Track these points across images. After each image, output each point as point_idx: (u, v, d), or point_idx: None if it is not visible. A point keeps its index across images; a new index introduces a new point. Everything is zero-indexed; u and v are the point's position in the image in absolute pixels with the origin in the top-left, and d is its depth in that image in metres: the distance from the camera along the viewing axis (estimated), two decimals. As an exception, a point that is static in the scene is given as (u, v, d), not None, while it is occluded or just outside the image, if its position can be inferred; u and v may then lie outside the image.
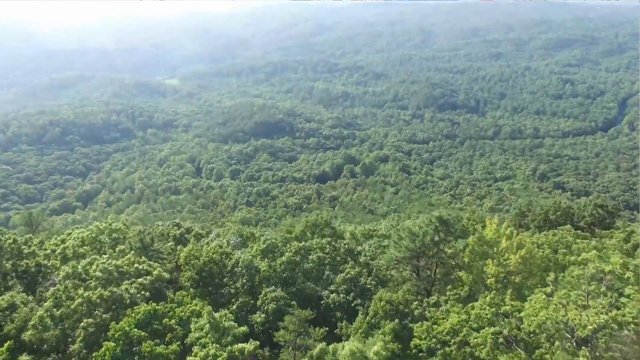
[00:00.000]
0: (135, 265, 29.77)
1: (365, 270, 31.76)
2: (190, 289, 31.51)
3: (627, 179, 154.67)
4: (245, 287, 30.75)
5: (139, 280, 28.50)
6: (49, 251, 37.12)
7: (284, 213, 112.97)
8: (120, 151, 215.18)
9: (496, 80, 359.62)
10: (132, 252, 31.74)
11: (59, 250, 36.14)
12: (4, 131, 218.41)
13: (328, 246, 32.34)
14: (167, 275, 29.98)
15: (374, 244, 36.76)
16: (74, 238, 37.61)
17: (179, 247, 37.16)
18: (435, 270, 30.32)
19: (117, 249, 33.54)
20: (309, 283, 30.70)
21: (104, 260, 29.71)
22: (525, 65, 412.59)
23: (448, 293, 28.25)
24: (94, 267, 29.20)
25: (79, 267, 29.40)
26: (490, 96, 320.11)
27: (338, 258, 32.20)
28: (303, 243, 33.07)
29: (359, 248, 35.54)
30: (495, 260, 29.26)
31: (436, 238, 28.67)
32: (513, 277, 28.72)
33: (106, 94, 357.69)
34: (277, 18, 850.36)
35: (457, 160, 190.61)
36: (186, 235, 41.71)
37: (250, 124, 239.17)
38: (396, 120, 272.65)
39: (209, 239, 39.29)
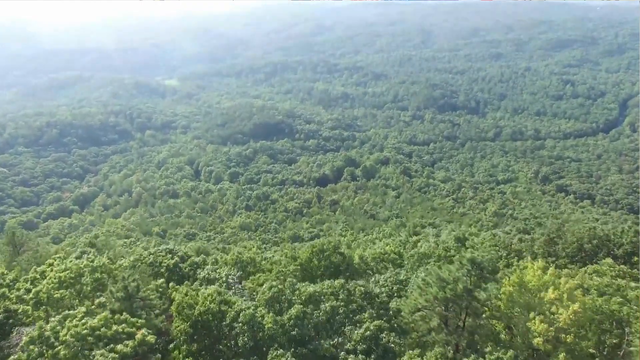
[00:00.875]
0: (115, 327, 25.00)
1: (385, 320, 27.58)
2: (184, 344, 27.68)
3: (630, 182, 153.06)
4: (247, 346, 26.84)
5: (119, 347, 23.91)
6: (22, 291, 32.14)
7: (284, 218, 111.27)
8: (118, 153, 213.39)
9: (496, 81, 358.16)
10: (115, 302, 27.14)
11: (31, 294, 30.97)
12: (0, 133, 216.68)
13: (341, 291, 28.09)
14: (151, 339, 24.99)
15: (390, 278, 33.01)
16: (51, 279, 32.01)
17: (170, 286, 32.62)
18: (464, 319, 26.25)
19: (96, 301, 28.48)
20: (322, 341, 26.66)
21: (77, 322, 25.00)
22: (525, 66, 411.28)
23: (489, 358, 23.22)
24: (64, 330, 24.57)
25: (47, 328, 24.76)
26: (490, 97, 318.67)
27: (354, 305, 27.94)
28: (313, 288, 28.91)
29: (376, 290, 30.72)
30: (541, 316, 24.91)
31: (470, 286, 24.64)
32: (564, 335, 24.33)
33: (105, 95, 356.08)
34: (276, 18, 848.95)
35: (458, 162, 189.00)
36: (181, 265, 37.20)
37: (249, 126, 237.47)
38: (396, 121, 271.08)
39: (205, 272, 34.90)
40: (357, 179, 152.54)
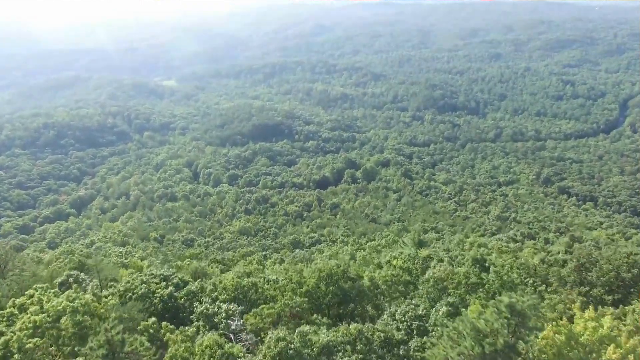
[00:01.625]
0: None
1: None
2: None
3: (632, 183, 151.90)
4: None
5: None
6: None
7: (283, 222, 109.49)
8: (116, 155, 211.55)
9: (496, 81, 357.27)
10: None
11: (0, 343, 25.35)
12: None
13: (359, 341, 24.68)
14: None
15: (408, 312, 30.17)
16: (25, 323, 26.67)
17: (163, 326, 28.77)
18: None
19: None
20: None
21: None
22: (525, 66, 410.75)
23: None
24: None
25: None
26: (490, 97, 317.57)
27: (373, 356, 24.53)
28: (327, 338, 25.13)
29: (398, 335, 26.61)
30: None
31: (512, 340, 20.77)
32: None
33: (103, 96, 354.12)
34: (275, 18, 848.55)
35: (458, 163, 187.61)
36: (176, 294, 33.54)
37: (248, 127, 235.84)
38: (396, 122, 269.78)
39: (203, 307, 31.44)
40: (358, 181, 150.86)
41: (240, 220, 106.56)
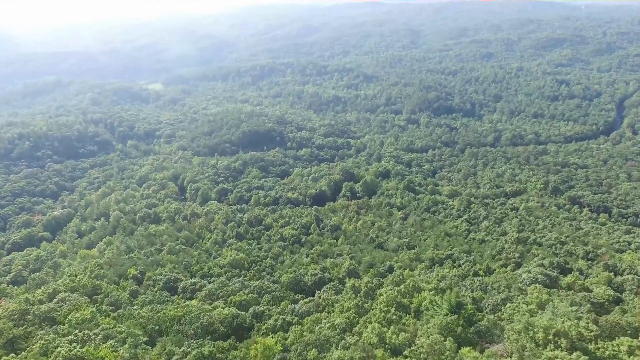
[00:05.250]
0: None
1: None
2: None
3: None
4: None
5: None
6: None
7: (280, 250, 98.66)
8: (97, 167, 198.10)
9: (490, 81, 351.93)
10: None
11: None
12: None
13: None
14: None
15: None
16: None
17: None
18: None
19: None
20: None
21: None
22: (518, 66, 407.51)
23: None
24: None
25: None
26: (485, 99, 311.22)
27: None
28: None
29: None
30: None
31: None
32: None
33: (85, 101, 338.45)
34: (262, 19, 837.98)
35: (460, 170, 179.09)
36: None
37: (237, 134, 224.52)
38: (391, 126, 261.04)
39: None
40: (358, 194, 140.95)
41: (231, 250, 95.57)
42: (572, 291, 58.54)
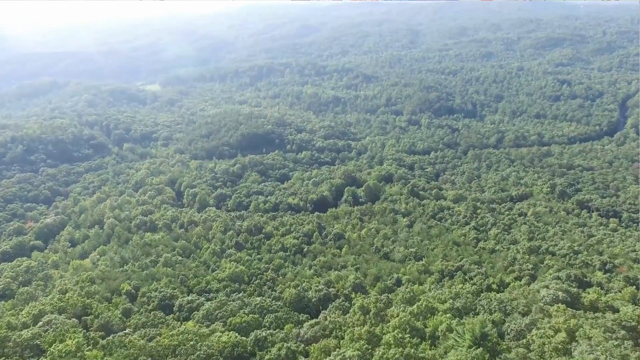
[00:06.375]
0: None
1: None
2: None
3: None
4: None
5: None
6: None
7: (281, 261, 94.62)
8: (92, 171, 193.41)
9: (490, 81, 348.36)
10: None
11: None
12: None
13: None
14: None
15: None
16: None
17: None
18: None
19: None
20: None
21: None
22: (518, 65, 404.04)
23: None
24: None
25: None
26: (486, 99, 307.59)
27: None
28: None
29: None
30: None
31: None
32: None
33: (80, 103, 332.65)
34: (261, 19, 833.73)
35: (463, 173, 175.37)
36: None
37: (236, 137, 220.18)
38: (392, 127, 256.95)
39: None
40: (360, 199, 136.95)
41: (230, 262, 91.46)
42: (600, 312, 54.63)
